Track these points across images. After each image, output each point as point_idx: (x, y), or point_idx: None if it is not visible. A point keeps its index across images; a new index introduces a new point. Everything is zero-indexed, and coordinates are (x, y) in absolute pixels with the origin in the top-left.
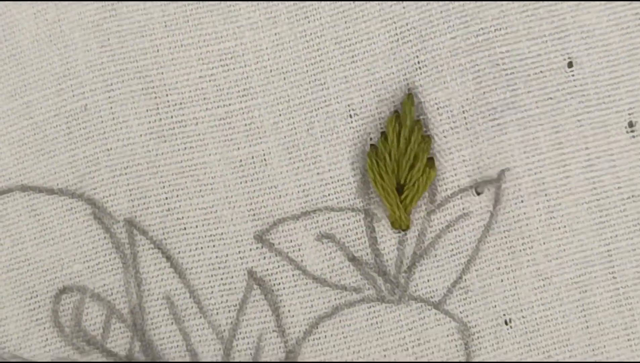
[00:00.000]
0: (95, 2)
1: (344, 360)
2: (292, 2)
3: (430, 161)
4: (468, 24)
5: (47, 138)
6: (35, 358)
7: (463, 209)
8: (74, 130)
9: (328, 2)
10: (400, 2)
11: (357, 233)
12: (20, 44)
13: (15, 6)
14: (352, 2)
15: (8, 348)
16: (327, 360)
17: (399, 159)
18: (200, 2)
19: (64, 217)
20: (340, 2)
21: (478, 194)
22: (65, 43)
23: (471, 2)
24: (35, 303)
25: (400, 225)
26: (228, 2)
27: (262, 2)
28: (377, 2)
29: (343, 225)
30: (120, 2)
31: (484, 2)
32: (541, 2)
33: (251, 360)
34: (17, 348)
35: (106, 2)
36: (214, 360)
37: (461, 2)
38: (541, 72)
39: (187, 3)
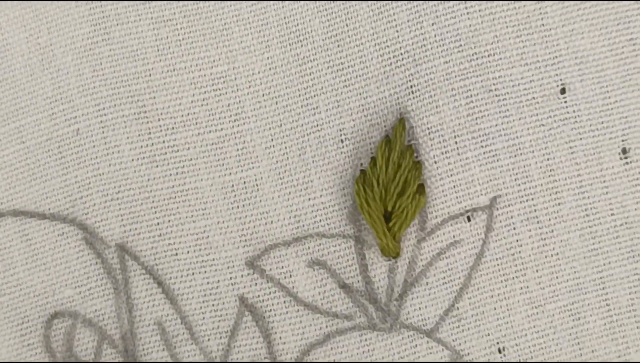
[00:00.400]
0: (87, 26)
1: None
2: (285, 26)
3: (421, 187)
4: (462, 48)
5: (39, 162)
6: None
7: (454, 236)
8: (66, 155)
9: (321, 26)
10: (395, 26)
11: (348, 259)
12: (12, 68)
13: (7, 30)
14: (345, 25)
15: None
16: None
17: (387, 185)
18: (193, 25)
19: (56, 242)
20: (333, 27)
21: (469, 220)
22: (57, 67)
23: (465, 26)
24: (27, 328)
25: (389, 253)
26: (221, 26)
27: (254, 25)
28: (370, 26)
29: (334, 252)
30: (113, 26)
31: (478, 27)
32: (535, 28)
33: None
34: None
35: (99, 27)
36: None
37: (455, 27)
38: (534, 98)
39: (180, 27)
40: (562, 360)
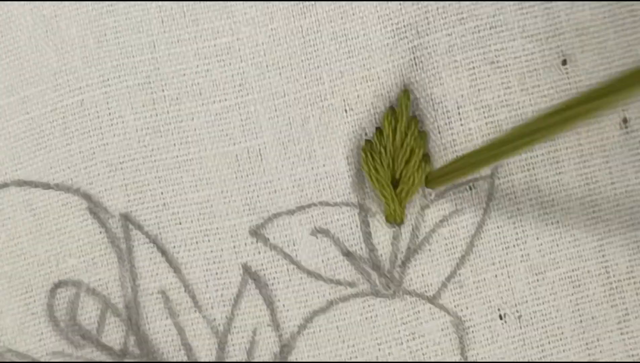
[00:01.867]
0: None
1: (338, 354)
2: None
3: (426, 156)
4: (464, 21)
5: (44, 133)
6: (30, 352)
7: (456, 205)
8: (70, 125)
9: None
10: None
11: (351, 227)
12: (17, 39)
13: (12, 2)
14: None
15: (3, 342)
16: (321, 354)
17: (394, 153)
18: None
19: (60, 212)
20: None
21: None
22: (61, 39)
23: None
24: (31, 297)
25: (395, 219)
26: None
27: None
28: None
29: (337, 220)
30: None
31: (479, 0)
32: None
33: (246, 354)
34: (12, 342)
35: None
36: (209, 354)
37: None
38: (535, 69)
39: None
40: (562, 327)
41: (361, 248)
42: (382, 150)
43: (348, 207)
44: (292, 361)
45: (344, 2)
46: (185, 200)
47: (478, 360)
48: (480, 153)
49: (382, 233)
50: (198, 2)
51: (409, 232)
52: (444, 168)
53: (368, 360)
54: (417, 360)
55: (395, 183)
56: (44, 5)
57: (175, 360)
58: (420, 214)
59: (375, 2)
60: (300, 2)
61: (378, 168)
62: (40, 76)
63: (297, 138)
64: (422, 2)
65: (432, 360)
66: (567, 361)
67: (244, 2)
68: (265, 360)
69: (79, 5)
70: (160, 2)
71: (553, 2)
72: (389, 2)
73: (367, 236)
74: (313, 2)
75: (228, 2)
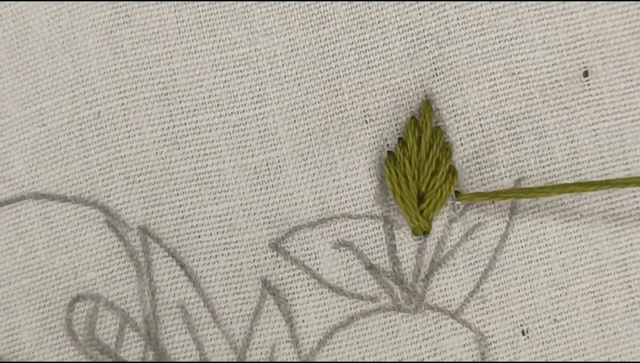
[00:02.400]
0: (108, 9)
1: None
2: (307, 7)
3: (452, 167)
4: (484, 31)
5: (60, 145)
6: None
7: (479, 218)
8: (87, 137)
9: (343, 8)
10: (417, 9)
11: (375, 240)
12: (34, 51)
13: (29, 13)
14: (368, 7)
15: (21, 356)
16: None
17: (419, 165)
18: (215, 7)
19: (78, 225)
20: (356, 8)
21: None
22: (78, 50)
23: (488, 10)
24: (49, 311)
25: (420, 230)
26: (242, 8)
27: (276, 7)
28: (393, 8)
29: (361, 232)
30: (134, 8)
31: (500, 11)
32: (557, 12)
33: None
34: (31, 357)
35: (120, 9)
36: None
37: (478, 10)
38: (557, 81)
39: (202, 9)
40: (585, 342)
41: (385, 262)
42: (407, 162)
43: (372, 219)
44: None
45: (363, 12)
46: (204, 213)
47: None
48: (521, 192)
49: (407, 246)
50: (215, 12)
51: (434, 245)
52: (480, 194)
53: None
54: None
55: (420, 195)
56: (60, 17)
57: None
58: (448, 227)
59: (395, 12)
60: (319, 11)
61: (402, 184)
62: (56, 87)
63: (317, 150)
64: (442, 12)
65: None
66: None
67: (262, 12)
68: None
69: (95, 17)
70: (177, 12)
71: (574, 13)
72: (409, 12)
73: (392, 249)
74: (332, 13)
75: (245, 12)
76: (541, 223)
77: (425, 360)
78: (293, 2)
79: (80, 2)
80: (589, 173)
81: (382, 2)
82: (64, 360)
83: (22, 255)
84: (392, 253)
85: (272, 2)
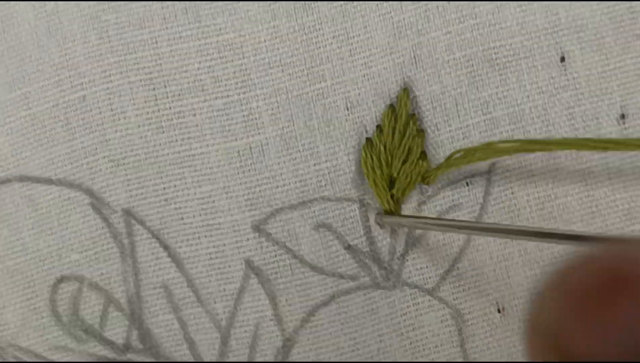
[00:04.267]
0: None
1: (340, 346)
2: None
3: (423, 154)
4: (463, 19)
5: (46, 128)
6: (32, 347)
7: (453, 201)
8: (72, 121)
9: None
10: None
11: (352, 222)
12: (19, 35)
13: None
14: None
15: (6, 337)
16: (323, 347)
17: (392, 152)
18: None
19: (62, 207)
20: None
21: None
22: (64, 34)
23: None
24: (33, 292)
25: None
26: None
27: None
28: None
29: (339, 214)
30: None
31: None
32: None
33: (249, 348)
34: (15, 337)
35: None
36: (212, 348)
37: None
38: (534, 66)
39: None
40: None
41: (362, 242)
42: (382, 148)
43: (349, 202)
44: (294, 361)
45: (345, 1)
46: (188, 195)
47: (477, 352)
48: (476, 151)
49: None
50: None
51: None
52: (441, 166)
53: (369, 352)
54: (417, 351)
55: (392, 180)
56: (45, 2)
57: (178, 354)
58: (418, 211)
59: (376, 1)
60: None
61: (376, 169)
62: (42, 71)
63: (300, 135)
64: (422, 1)
65: (432, 351)
66: None
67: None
68: (268, 354)
69: (80, 2)
70: None
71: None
72: (390, 1)
73: (367, 230)
74: (315, 1)
75: None
76: (515, 204)
77: (404, 335)
78: None
79: None
80: (564, 155)
81: None
82: (49, 340)
83: (7, 237)
84: (367, 234)
85: None
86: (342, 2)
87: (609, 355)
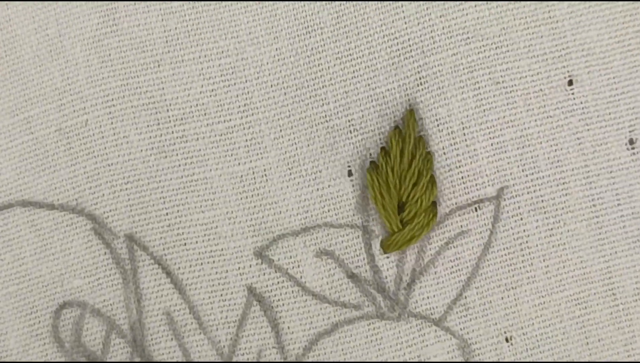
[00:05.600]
0: (96, 17)
1: None
2: (293, 17)
3: (432, 177)
4: (469, 40)
5: (48, 153)
6: None
7: (462, 226)
8: (74, 145)
9: (329, 17)
10: (402, 18)
11: (356, 249)
12: (22, 59)
13: (17, 22)
14: (353, 17)
15: None
16: None
17: (401, 175)
18: (201, 17)
19: (65, 232)
20: (341, 18)
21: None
22: (66, 58)
23: (473, 19)
24: (36, 318)
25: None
26: (229, 17)
27: (263, 16)
28: (379, 17)
29: (342, 241)
30: (121, 17)
31: (485, 20)
32: (542, 20)
33: None
34: None
35: (107, 18)
36: None
37: (463, 19)
38: (541, 90)
39: (188, 18)
40: (569, 349)
41: (366, 270)
42: (390, 171)
43: (352, 229)
44: None
45: (349, 22)
46: (190, 221)
47: None
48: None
49: (386, 255)
50: (202, 22)
51: (414, 254)
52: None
53: None
54: None
55: (400, 205)
56: (48, 25)
57: None
58: (426, 237)
59: (380, 22)
60: (305, 21)
61: (384, 193)
62: (44, 95)
63: (302, 159)
64: (427, 21)
65: None
66: None
67: (249, 22)
68: None
69: (83, 25)
70: (164, 21)
71: (559, 22)
72: (394, 21)
73: (371, 258)
74: (318, 22)
75: (232, 22)
76: (524, 231)
77: None
78: (280, 12)
79: (68, 11)
80: (573, 182)
81: (368, 12)
82: None
83: (10, 262)
84: (371, 262)
85: (259, 12)
86: (346, 22)
87: None
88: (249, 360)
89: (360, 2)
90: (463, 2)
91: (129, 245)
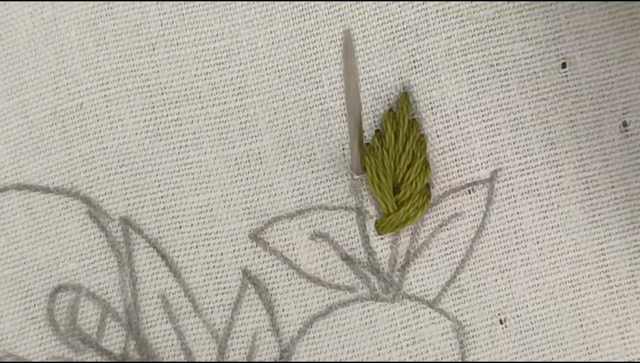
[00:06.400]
0: (91, 0)
1: (338, 359)
2: (288, 1)
3: (425, 160)
4: (463, 23)
5: (43, 136)
6: (30, 357)
7: (455, 209)
8: (69, 129)
9: (324, 1)
10: (397, 1)
11: (350, 232)
12: (16, 43)
13: (11, 5)
14: (348, 1)
15: (3, 346)
16: (321, 359)
17: (396, 157)
18: (196, 0)
19: (60, 216)
20: (336, 1)
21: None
22: (61, 42)
23: (467, 2)
24: (31, 301)
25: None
26: (224, 1)
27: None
28: (373, 1)
29: (336, 224)
30: (116, 0)
31: (479, 3)
32: (536, 2)
33: (246, 359)
34: (12, 347)
35: (102, 1)
36: (209, 359)
37: (457, 2)
38: (535, 72)
39: (183, 1)
40: (563, 331)
41: (360, 252)
42: (385, 153)
43: (346, 211)
44: None
45: (343, 5)
46: (185, 204)
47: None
48: None
49: (380, 237)
50: (197, 5)
51: (408, 236)
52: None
53: None
54: None
55: (395, 187)
56: (43, 9)
57: None
58: (420, 219)
59: (374, 5)
60: (300, 4)
61: (380, 175)
62: (39, 79)
63: (297, 141)
64: (421, 4)
65: None
66: None
67: (243, 4)
68: None
69: (78, 9)
70: (159, 4)
71: (553, 5)
72: (388, 4)
73: (366, 240)
74: (312, 5)
75: (227, 4)
76: (518, 213)
77: (404, 349)
78: None
79: None
80: (566, 164)
81: None
82: (46, 350)
83: (5, 246)
84: (366, 244)
85: None
86: (340, 5)
87: None
88: (244, 342)
89: None
90: None
91: (124, 228)
